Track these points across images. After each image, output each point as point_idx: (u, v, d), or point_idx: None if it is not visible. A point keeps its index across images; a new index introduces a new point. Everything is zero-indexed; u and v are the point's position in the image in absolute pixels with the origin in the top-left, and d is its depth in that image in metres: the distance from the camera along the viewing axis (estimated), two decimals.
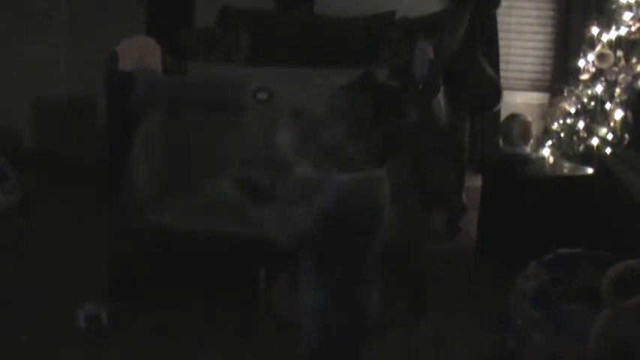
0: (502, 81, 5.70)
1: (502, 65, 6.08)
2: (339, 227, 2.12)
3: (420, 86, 4.30)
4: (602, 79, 5.29)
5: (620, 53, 5.24)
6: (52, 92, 6.63)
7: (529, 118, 5.26)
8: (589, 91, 5.37)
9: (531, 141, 5.23)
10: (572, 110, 5.46)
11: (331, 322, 2.27)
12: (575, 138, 5.36)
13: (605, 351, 2.90)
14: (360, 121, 2.13)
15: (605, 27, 5.37)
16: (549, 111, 5.83)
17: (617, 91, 5.14)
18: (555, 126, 5.55)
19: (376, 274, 2.34)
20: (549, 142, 5.48)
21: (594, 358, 2.94)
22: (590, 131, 5.25)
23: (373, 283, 2.33)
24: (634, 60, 5.13)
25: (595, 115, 5.27)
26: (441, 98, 4.59)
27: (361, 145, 2.14)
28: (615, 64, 5.25)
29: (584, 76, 5.45)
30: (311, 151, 2.28)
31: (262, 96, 4.25)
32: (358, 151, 2.14)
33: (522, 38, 6.43)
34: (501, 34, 6.10)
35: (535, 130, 5.58)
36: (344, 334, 2.29)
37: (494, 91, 5.21)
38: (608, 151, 4.97)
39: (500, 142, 5.25)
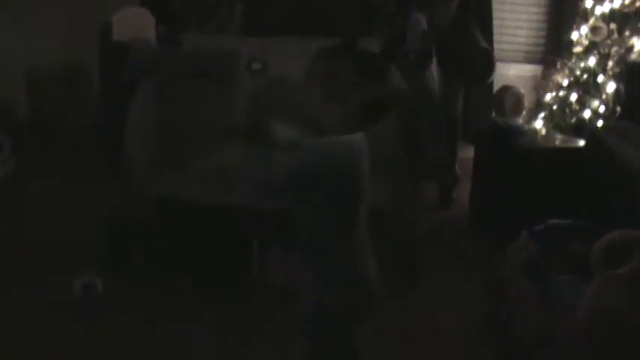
0: (496, 53, 5.70)
1: (496, 37, 6.08)
2: (315, 190, 2.15)
3: (413, 57, 4.31)
4: (595, 51, 5.31)
5: (613, 26, 5.24)
6: (46, 62, 6.60)
7: (521, 90, 5.29)
8: (582, 64, 5.39)
9: (523, 113, 5.26)
10: (565, 83, 5.48)
11: (327, 294, 2.29)
12: (567, 110, 5.38)
13: (594, 319, 2.94)
14: (339, 83, 2.14)
15: (599, 0, 5.37)
16: (542, 83, 5.85)
17: (610, 63, 5.16)
18: (548, 98, 5.57)
19: (368, 243, 2.36)
20: (542, 114, 5.51)
21: (584, 327, 2.99)
22: (583, 103, 5.28)
23: (366, 252, 2.35)
24: (627, 33, 5.14)
25: (588, 87, 5.30)
26: (434, 69, 4.60)
27: (339, 108, 2.14)
28: (608, 36, 5.26)
29: (578, 49, 5.46)
30: (290, 115, 2.29)
31: (256, 66, 4.27)
32: (335, 115, 2.15)
33: (516, 10, 6.43)
34: (495, 6, 6.10)
35: (528, 102, 5.61)
36: (341, 306, 2.31)
37: (488, 63, 5.21)
38: (599, 123, 5.00)
39: (493, 114, 5.28)
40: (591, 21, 5.35)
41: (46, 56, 6.48)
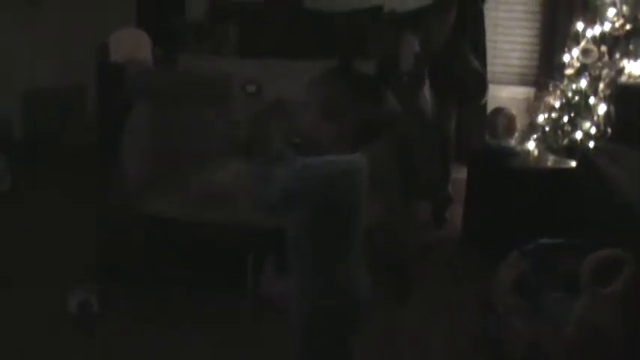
0: (489, 75, 5.76)
1: (489, 60, 6.13)
2: (304, 206, 2.20)
3: (406, 78, 4.36)
4: (587, 73, 5.38)
5: (604, 49, 5.32)
6: (41, 82, 6.66)
7: (514, 112, 5.36)
8: (573, 86, 5.46)
9: (516, 134, 5.33)
10: (557, 104, 5.54)
11: (317, 308, 2.33)
12: (559, 132, 5.44)
13: (583, 336, 2.98)
14: (335, 104, 2.20)
15: (590, 23, 5.45)
16: (535, 105, 5.91)
17: (601, 85, 5.23)
18: (540, 120, 5.63)
19: (361, 260, 2.40)
20: (535, 136, 5.57)
21: (573, 343, 3.03)
22: (575, 125, 5.34)
23: (358, 269, 2.39)
24: (617, 55, 5.22)
25: (579, 109, 5.36)
26: (426, 90, 4.66)
27: (334, 128, 2.20)
28: (599, 59, 5.33)
29: (569, 71, 5.53)
30: (286, 134, 2.34)
31: (251, 88, 4.33)
32: (331, 135, 2.21)
33: (509, 33, 6.50)
34: (488, 29, 6.15)
35: (520, 123, 5.67)
36: (330, 320, 2.35)
37: (480, 85, 5.27)
38: (591, 144, 5.05)
39: (486, 135, 5.34)
40: (582, 43, 5.42)
41: (42, 77, 6.54)
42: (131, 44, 4.93)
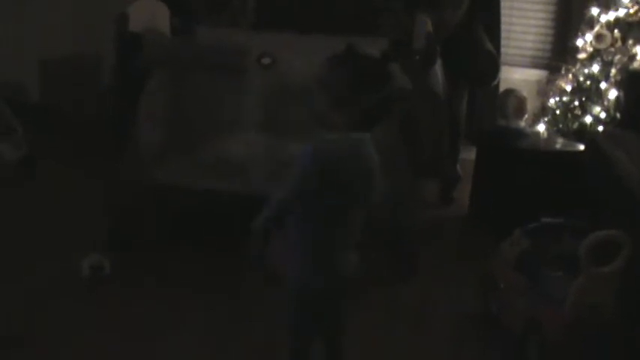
0: (502, 57, 5.78)
1: (503, 42, 6.15)
2: (318, 185, 2.27)
3: (418, 58, 4.40)
4: (599, 58, 5.41)
5: (617, 34, 5.35)
6: (58, 50, 6.71)
7: (524, 94, 5.40)
8: (586, 70, 5.48)
9: (525, 116, 5.37)
10: (569, 88, 5.57)
11: (308, 281, 2.44)
12: (570, 115, 5.48)
13: (579, 314, 3.06)
14: (340, 90, 2.27)
15: (605, 8, 5.47)
16: (546, 88, 5.94)
17: (613, 71, 5.27)
18: (552, 103, 5.67)
19: (355, 238, 2.48)
20: (545, 118, 5.61)
21: (570, 322, 3.10)
22: (585, 109, 5.38)
23: (350, 247, 2.48)
24: (630, 41, 5.25)
25: (590, 93, 5.40)
26: (438, 70, 4.70)
27: (343, 111, 2.28)
28: (612, 44, 5.36)
29: (582, 55, 5.55)
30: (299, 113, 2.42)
31: (266, 60, 4.37)
32: (341, 118, 2.28)
33: (524, 16, 6.50)
34: (503, 11, 6.15)
35: (532, 105, 5.71)
36: (320, 293, 2.45)
37: (492, 66, 5.30)
38: (600, 128, 5.10)
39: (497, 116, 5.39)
40: (596, 28, 5.44)
41: (58, 44, 6.60)
42: (149, 15, 4.96)
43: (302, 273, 2.44)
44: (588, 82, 5.44)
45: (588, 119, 5.28)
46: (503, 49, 6.00)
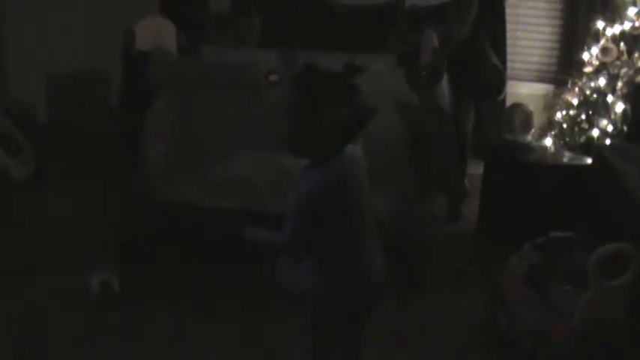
0: (508, 71, 5.80)
1: (509, 56, 6.16)
2: (310, 216, 2.29)
3: (424, 73, 4.42)
4: (605, 72, 5.41)
5: (623, 47, 5.35)
6: (65, 68, 6.75)
7: (530, 108, 5.40)
8: (592, 84, 5.48)
9: (532, 130, 5.37)
10: (575, 102, 5.57)
11: (329, 297, 2.44)
12: (576, 129, 5.48)
13: (589, 328, 3.05)
14: (302, 111, 2.26)
15: (610, 21, 5.47)
16: (553, 102, 5.95)
17: (619, 84, 5.27)
18: (558, 116, 5.67)
19: (375, 247, 2.49)
20: (552, 132, 5.61)
21: (580, 336, 3.09)
22: (592, 122, 5.38)
23: (372, 256, 2.48)
24: (636, 54, 5.26)
25: (597, 107, 5.39)
26: (445, 85, 4.70)
27: (311, 132, 2.27)
28: (618, 58, 5.36)
29: (588, 69, 5.55)
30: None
31: (274, 78, 4.39)
32: (311, 138, 2.28)
33: (530, 30, 6.50)
34: (509, 26, 6.18)
35: (538, 120, 5.71)
36: (342, 308, 2.46)
37: (498, 81, 5.32)
38: (607, 142, 5.10)
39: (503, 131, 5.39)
40: (602, 42, 5.44)
41: (65, 62, 6.64)
42: (156, 32, 4.99)
43: (316, 288, 2.44)
44: (595, 96, 5.44)
45: (595, 133, 5.27)
46: (509, 64, 6.02)
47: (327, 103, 2.25)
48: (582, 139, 5.38)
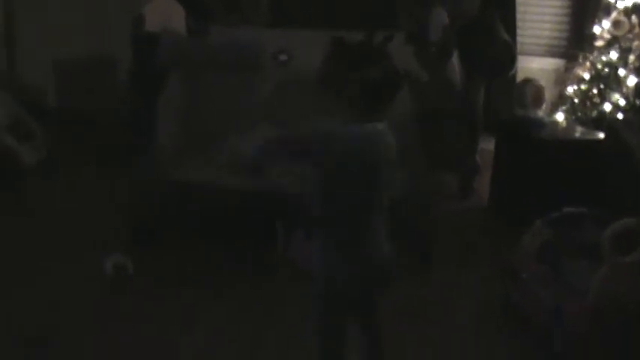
0: (519, 46, 5.76)
1: (519, 31, 6.13)
2: (329, 176, 2.33)
3: (434, 49, 4.40)
4: (617, 45, 5.36)
5: (635, 20, 5.30)
6: (73, 53, 6.75)
7: (542, 83, 5.36)
8: (603, 58, 5.44)
9: (544, 105, 5.33)
10: (587, 76, 5.53)
11: (340, 274, 2.44)
12: (588, 103, 5.45)
13: (603, 304, 3.04)
14: (336, 81, 2.38)
15: None
16: (564, 76, 5.90)
17: (631, 57, 5.22)
18: (570, 91, 5.63)
19: (385, 227, 2.49)
20: (564, 107, 5.58)
21: (594, 311, 3.08)
22: (604, 97, 5.34)
23: (382, 236, 2.48)
24: None
25: (609, 81, 5.36)
26: (455, 61, 4.69)
27: (345, 101, 2.35)
28: (630, 31, 5.31)
29: (599, 43, 5.51)
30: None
31: (282, 57, 4.39)
32: (343, 101, 2.35)
33: (540, 4, 6.46)
34: (519, 0, 6.16)
35: (549, 94, 5.68)
36: (353, 285, 2.46)
37: (509, 56, 5.28)
38: (619, 116, 5.06)
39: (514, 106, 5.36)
40: (613, 15, 5.39)
41: (75, 47, 6.63)
42: (165, 14, 4.99)
43: (328, 267, 2.44)
44: (606, 70, 5.40)
45: (607, 107, 5.24)
46: (519, 39, 5.99)
47: (357, 63, 2.35)
48: (594, 113, 5.35)
